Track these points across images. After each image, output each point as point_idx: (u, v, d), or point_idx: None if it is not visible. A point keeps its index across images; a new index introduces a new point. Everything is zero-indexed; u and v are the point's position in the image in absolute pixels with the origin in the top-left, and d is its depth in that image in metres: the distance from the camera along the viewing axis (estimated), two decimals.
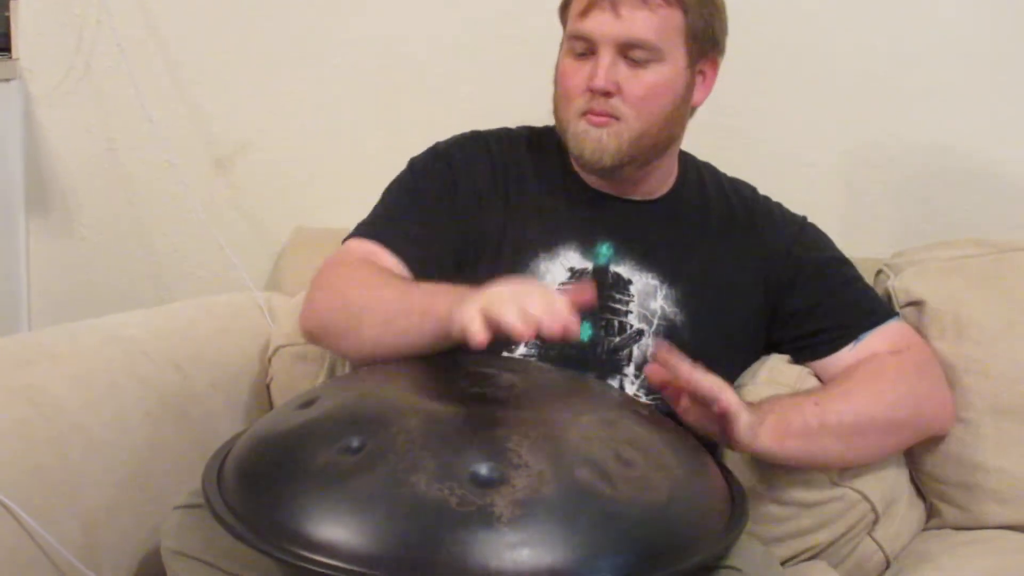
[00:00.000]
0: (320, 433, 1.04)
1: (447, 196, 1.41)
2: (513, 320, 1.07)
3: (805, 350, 1.43)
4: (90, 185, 2.03)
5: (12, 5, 1.97)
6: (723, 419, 1.22)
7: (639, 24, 1.31)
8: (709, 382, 1.21)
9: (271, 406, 1.61)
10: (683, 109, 1.39)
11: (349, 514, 0.95)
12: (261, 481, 1.03)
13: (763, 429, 1.25)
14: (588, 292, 1.16)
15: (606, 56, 1.32)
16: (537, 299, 1.09)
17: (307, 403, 1.11)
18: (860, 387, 1.35)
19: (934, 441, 1.48)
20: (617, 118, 1.33)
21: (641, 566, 0.96)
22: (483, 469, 0.96)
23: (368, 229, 1.41)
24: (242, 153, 1.99)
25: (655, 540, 0.99)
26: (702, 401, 1.22)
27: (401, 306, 1.25)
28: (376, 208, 1.45)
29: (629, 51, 1.32)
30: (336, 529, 0.94)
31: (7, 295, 2.05)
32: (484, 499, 0.94)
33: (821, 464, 1.35)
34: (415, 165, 1.46)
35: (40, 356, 1.39)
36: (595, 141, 1.34)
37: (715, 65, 1.41)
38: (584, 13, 1.33)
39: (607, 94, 1.32)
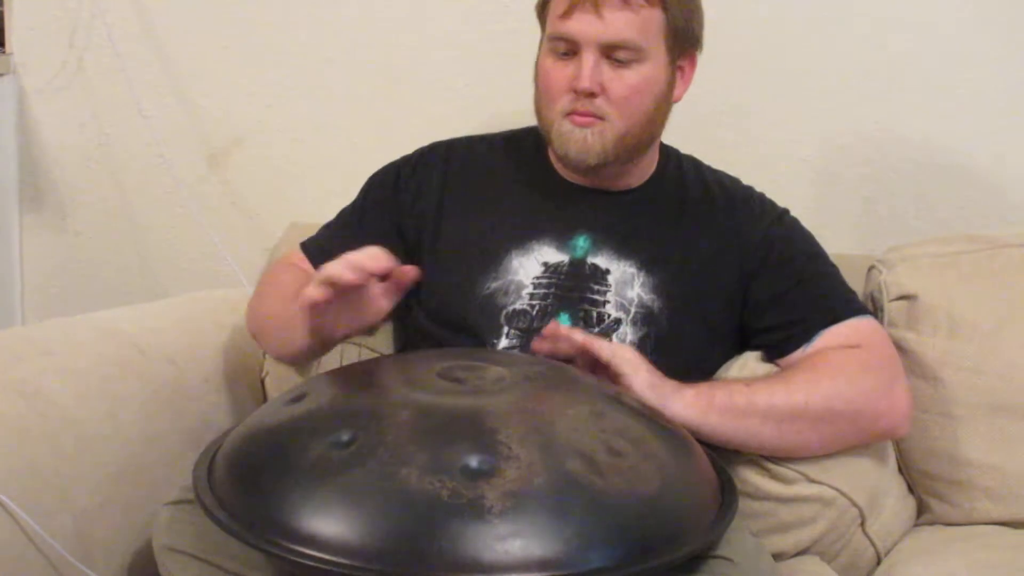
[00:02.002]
0: (310, 427, 1.04)
1: (384, 205, 1.49)
2: (334, 267, 1.17)
3: (767, 347, 1.42)
4: (83, 180, 2.03)
5: (5, 0, 1.97)
6: (620, 379, 1.26)
7: (622, 25, 1.32)
8: (603, 344, 1.28)
9: (266, 401, 1.61)
10: (665, 106, 1.40)
11: (340, 508, 0.95)
12: (251, 476, 1.03)
13: (678, 397, 1.27)
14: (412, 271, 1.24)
15: (590, 57, 1.33)
16: (359, 253, 1.19)
17: (297, 397, 1.11)
18: (797, 375, 1.34)
19: (925, 438, 1.48)
20: (601, 118, 1.35)
21: (632, 556, 0.96)
22: (473, 461, 0.96)
23: (306, 241, 1.52)
24: (236, 148, 1.99)
25: (646, 530, 0.99)
26: (603, 365, 1.27)
27: (287, 310, 1.33)
28: (329, 221, 1.54)
29: (612, 52, 1.33)
30: (327, 523, 0.94)
31: (0, 290, 2.05)
32: (475, 491, 0.94)
33: (754, 447, 1.34)
34: (369, 182, 1.54)
35: (33, 351, 1.39)
36: (580, 141, 1.36)
37: (693, 60, 1.43)
38: (566, 14, 1.33)
39: (591, 95, 1.34)
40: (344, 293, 1.20)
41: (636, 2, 1.32)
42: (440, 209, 1.46)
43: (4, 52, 1.98)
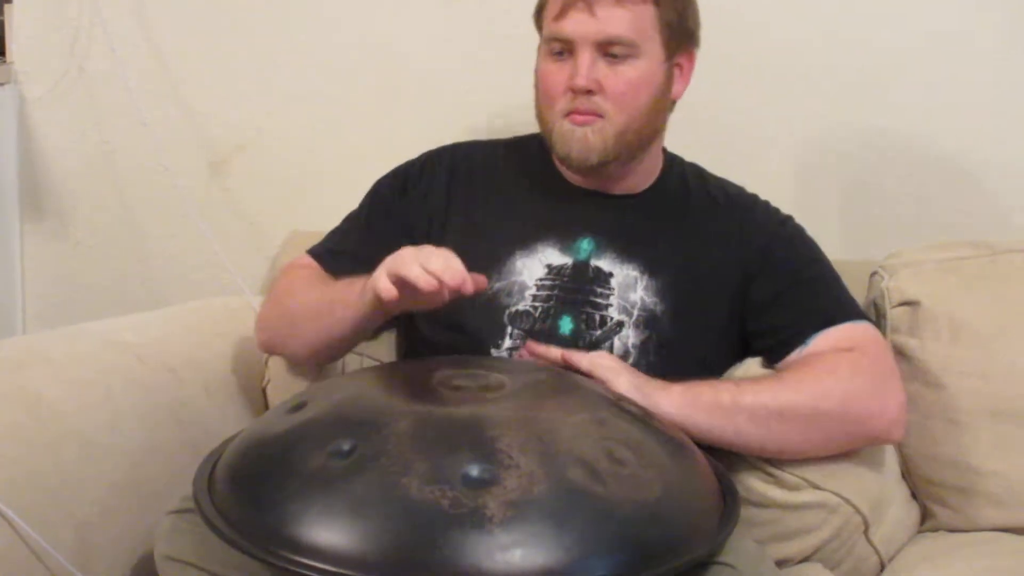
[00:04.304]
0: (311, 436, 1.04)
1: (393, 210, 1.49)
2: (416, 274, 1.17)
3: (764, 351, 1.41)
4: (84, 189, 2.03)
5: (6, 8, 1.97)
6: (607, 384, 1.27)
7: (615, 21, 1.34)
8: (579, 357, 1.30)
9: (267, 409, 1.61)
10: (663, 102, 1.42)
11: (341, 518, 0.95)
12: (252, 485, 1.03)
13: (664, 396, 1.27)
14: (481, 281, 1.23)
15: (585, 55, 1.35)
16: (435, 257, 1.19)
17: (298, 406, 1.11)
18: (786, 375, 1.34)
19: (928, 444, 1.48)
20: (600, 115, 1.37)
21: (634, 565, 0.96)
22: (474, 470, 0.96)
23: (314, 247, 1.52)
24: (237, 156, 1.99)
25: (647, 538, 0.99)
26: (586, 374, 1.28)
27: (324, 302, 1.37)
28: (336, 226, 1.54)
29: (607, 48, 1.35)
30: (328, 533, 0.94)
31: (1, 299, 2.05)
32: (476, 500, 0.94)
33: (740, 446, 1.33)
34: (376, 183, 1.54)
35: (34, 360, 1.39)
36: (581, 140, 1.37)
37: (691, 57, 1.44)
38: (560, 15, 1.35)
39: (589, 92, 1.35)
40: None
41: None
42: (447, 210, 1.47)
43: (5, 61, 1.98)
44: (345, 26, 1.93)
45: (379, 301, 1.23)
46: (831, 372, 1.33)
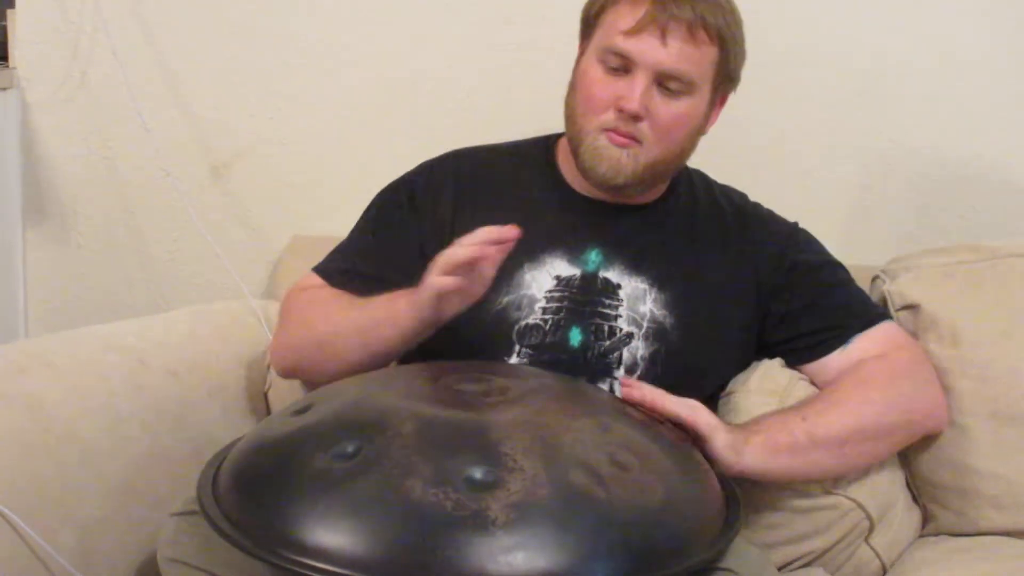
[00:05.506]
0: (315, 439, 1.04)
1: (403, 225, 1.46)
2: (461, 253, 1.20)
3: (797, 352, 1.43)
4: (87, 193, 2.03)
5: (9, 14, 1.97)
6: (700, 441, 1.24)
7: (683, 57, 1.31)
8: (678, 405, 1.24)
9: (269, 413, 1.61)
10: (697, 138, 1.40)
11: (345, 519, 0.95)
12: (256, 487, 1.03)
13: (749, 449, 1.26)
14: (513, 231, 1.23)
15: (643, 80, 1.31)
16: (467, 236, 1.22)
17: (302, 409, 1.11)
18: (847, 397, 1.34)
19: (930, 447, 1.48)
20: (639, 141, 1.34)
21: (635, 569, 0.96)
22: (478, 473, 0.97)
23: (321, 265, 1.49)
24: (239, 161, 1.99)
25: (650, 543, 0.99)
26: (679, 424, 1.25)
27: (368, 320, 1.34)
28: (340, 243, 1.51)
29: (665, 80, 1.32)
30: (332, 534, 0.94)
31: (4, 303, 2.05)
32: (479, 503, 0.94)
33: (816, 477, 1.35)
34: (380, 196, 1.51)
35: (37, 364, 1.39)
36: (613, 160, 1.35)
37: (726, 97, 1.42)
38: (631, 32, 1.31)
39: (636, 117, 1.32)
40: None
41: (701, 37, 1.31)
42: (453, 222, 1.44)
43: (8, 66, 1.98)
44: (346, 31, 1.93)
45: (436, 301, 1.24)
46: (890, 383, 1.37)
